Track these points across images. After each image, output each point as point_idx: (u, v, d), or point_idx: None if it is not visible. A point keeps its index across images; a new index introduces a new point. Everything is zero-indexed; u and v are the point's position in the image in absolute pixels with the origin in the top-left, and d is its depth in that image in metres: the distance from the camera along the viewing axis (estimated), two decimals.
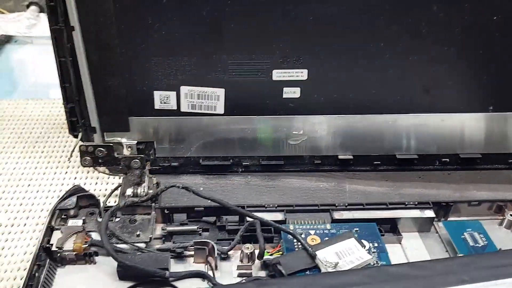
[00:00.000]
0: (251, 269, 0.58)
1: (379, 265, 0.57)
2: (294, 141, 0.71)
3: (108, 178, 0.72)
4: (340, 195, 0.69)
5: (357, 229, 0.62)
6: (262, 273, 0.58)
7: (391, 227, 0.65)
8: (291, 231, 0.59)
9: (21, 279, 0.57)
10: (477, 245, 0.61)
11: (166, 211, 0.63)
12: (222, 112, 0.68)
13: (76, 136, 0.68)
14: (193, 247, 0.58)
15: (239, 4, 0.60)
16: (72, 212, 0.62)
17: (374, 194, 0.69)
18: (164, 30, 0.61)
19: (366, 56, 0.65)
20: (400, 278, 0.52)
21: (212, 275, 0.56)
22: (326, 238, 0.60)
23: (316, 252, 0.56)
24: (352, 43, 0.64)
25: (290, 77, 0.66)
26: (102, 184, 0.72)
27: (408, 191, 0.70)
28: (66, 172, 0.74)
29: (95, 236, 0.59)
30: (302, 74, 0.65)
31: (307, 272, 0.55)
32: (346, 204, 0.65)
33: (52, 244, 0.57)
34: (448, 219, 0.67)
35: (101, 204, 0.64)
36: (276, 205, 0.64)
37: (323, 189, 0.70)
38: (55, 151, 0.78)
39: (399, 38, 0.64)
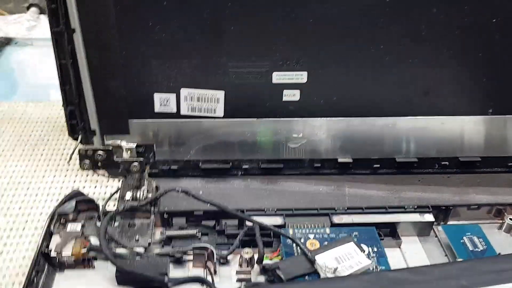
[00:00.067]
0: (250, 274, 0.58)
1: (378, 270, 0.57)
2: (293, 144, 0.71)
3: (108, 181, 0.72)
4: (340, 199, 0.69)
5: (357, 233, 0.62)
6: (261, 278, 0.58)
7: (391, 231, 0.65)
8: (290, 236, 0.59)
9: (19, 285, 0.57)
10: (476, 249, 0.61)
11: (165, 215, 0.63)
12: (222, 115, 0.68)
13: (76, 139, 0.68)
14: (192, 252, 0.58)
15: (239, 6, 0.60)
16: (71, 217, 0.61)
17: (373, 198, 0.69)
18: (164, 32, 0.61)
19: (365, 58, 0.65)
20: (400, 283, 0.52)
21: (211, 280, 0.56)
22: (326, 243, 0.60)
23: (315, 257, 0.56)
24: (352, 45, 0.64)
25: (290, 79, 0.66)
26: (102, 187, 0.72)
27: (407, 194, 0.70)
28: (66, 175, 0.74)
29: (94, 240, 0.58)
30: (302, 77, 0.65)
31: (306, 277, 0.55)
32: (346, 208, 0.65)
33: (50, 249, 0.57)
34: (448, 223, 0.67)
35: (100, 208, 0.64)
36: (275, 209, 0.64)
37: (323, 193, 0.70)
38: (55, 154, 0.78)
39: (399, 41, 0.64)
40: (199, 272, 0.58)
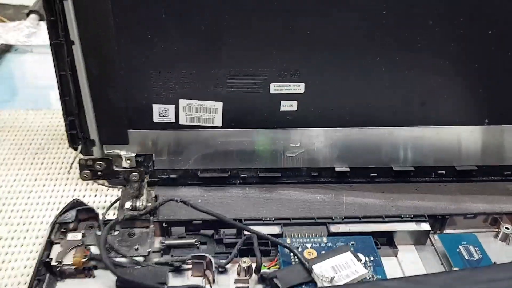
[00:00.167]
0: (248, 283, 0.59)
1: (375, 279, 0.58)
2: (291, 153, 0.72)
3: (107, 190, 0.73)
4: (337, 207, 0.70)
5: (354, 242, 0.62)
6: (259, 287, 0.59)
7: (387, 240, 0.65)
8: (287, 245, 0.60)
9: None
10: (472, 258, 0.62)
11: (164, 225, 0.64)
12: (220, 124, 0.68)
13: (75, 149, 0.69)
14: (191, 261, 0.59)
15: (237, 19, 0.61)
16: (71, 226, 0.62)
17: (370, 206, 0.70)
18: (162, 44, 0.62)
19: (362, 69, 0.66)
20: None
21: None
22: (323, 252, 0.60)
23: (313, 266, 0.57)
24: (349, 57, 0.65)
25: (288, 90, 0.66)
26: (101, 196, 0.72)
27: (404, 203, 0.71)
28: (66, 184, 0.74)
29: (94, 249, 0.59)
30: (299, 88, 0.66)
31: (304, 287, 0.56)
32: (343, 217, 0.66)
33: (51, 258, 0.58)
34: (444, 231, 0.68)
35: (100, 217, 0.64)
36: (273, 218, 0.65)
37: (320, 201, 0.71)
38: (55, 163, 0.79)
39: (395, 52, 0.65)
40: (198, 281, 0.59)
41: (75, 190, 0.74)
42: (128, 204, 0.66)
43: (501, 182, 0.75)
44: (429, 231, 0.65)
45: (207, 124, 0.68)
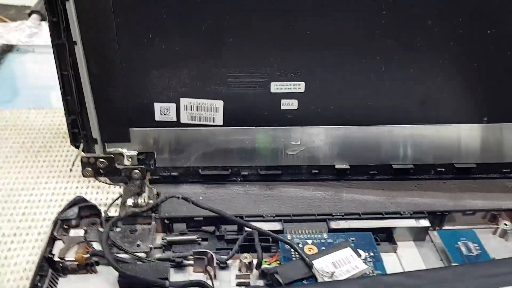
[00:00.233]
0: (249, 278, 0.59)
1: (374, 274, 0.58)
2: (292, 151, 0.72)
3: (109, 187, 0.73)
4: (337, 204, 0.70)
5: (353, 238, 0.63)
6: (260, 282, 0.59)
7: (387, 236, 0.66)
8: (288, 241, 0.61)
9: None
10: (470, 254, 0.62)
11: (166, 221, 0.64)
12: (221, 123, 0.69)
13: (77, 147, 0.69)
14: (192, 257, 0.60)
15: (238, 18, 0.62)
16: (74, 223, 0.63)
17: (370, 203, 0.71)
18: (164, 44, 0.63)
19: (362, 69, 0.66)
20: (395, 287, 0.53)
21: (211, 284, 0.58)
22: (323, 248, 0.61)
23: (313, 262, 0.58)
24: (348, 56, 0.65)
25: (288, 89, 0.67)
26: (103, 194, 0.73)
27: (404, 200, 0.72)
28: (68, 182, 0.75)
29: (97, 246, 0.60)
30: (299, 87, 0.67)
31: (304, 282, 0.56)
32: (343, 214, 0.66)
33: (54, 254, 0.58)
34: (443, 228, 0.68)
35: (102, 214, 0.65)
36: (274, 215, 0.65)
37: (321, 198, 0.71)
38: (57, 161, 0.80)
39: (395, 52, 0.65)
40: (200, 276, 0.59)
41: (76, 187, 0.74)
42: (130, 201, 0.66)
43: (499, 180, 0.76)
44: (428, 227, 0.66)
45: (208, 123, 0.69)
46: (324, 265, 0.58)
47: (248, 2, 0.61)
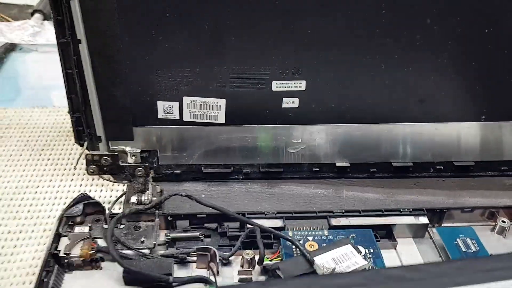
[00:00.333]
0: (252, 274, 0.60)
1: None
2: (293, 149, 0.73)
3: (113, 185, 0.74)
4: (338, 202, 0.71)
5: (354, 235, 0.64)
6: (262, 278, 0.60)
7: (387, 233, 0.67)
8: (289, 238, 0.62)
9: (30, 284, 0.59)
10: (469, 250, 0.63)
11: (169, 218, 0.65)
12: (223, 121, 0.70)
13: (82, 145, 0.70)
14: (195, 253, 0.61)
15: (240, 17, 0.62)
16: (78, 219, 0.64)
17: (370, 201, 0.71)
18: (167, 43, 0.64)
19: (362, 68, 0.67)
20: (396, 280, 0.53)
21: (214, 280, 0.59)
22: (324, 244, 0.62)
23: (314, 258, 0.58)
24: (349, 55, 0.66)
25: (289, 87, 0.68)
26: (107, 191, 0.74)
27: (403, 197, 0.72)
28: (72, 180, 0.76)
29: (101, 242, 0.61)
30: (300, 85, 0.68)
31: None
32: (343, 211, 0.67)
33: (59, 251, 0.59)
34: (442, 225, 0.69)
35: (107, 211, 0.66)
36: (275, 212, 0.66)
37: (321, 196, 0.72)
38: (61, 159, 0.80)
39: (395, 50, 0.66)
40: (203, 272, 0.60)
41: (81, 185, 0.75)
42: (133, 199, 0.67)
43: (498, 177, 0.76)
44: (428, 224, 0.67)
45: (211, 121, 0.70)
46: (324, 261, 0.58)
47: (250, 1, 0.61)
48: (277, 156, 0.74)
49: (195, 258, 0.61)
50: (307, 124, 0.71)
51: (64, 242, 0.61)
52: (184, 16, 0.62)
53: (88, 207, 0.65)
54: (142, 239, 0.62)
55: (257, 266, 0.61)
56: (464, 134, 0.74)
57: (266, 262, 0.61)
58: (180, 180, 0.74)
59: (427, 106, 0.71)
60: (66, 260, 0.59)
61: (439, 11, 0.63)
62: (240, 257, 0.61)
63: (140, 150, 0.71)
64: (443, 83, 0.69)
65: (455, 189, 0.74)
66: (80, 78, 0.65)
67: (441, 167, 0.75)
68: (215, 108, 0.69)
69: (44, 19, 1.33)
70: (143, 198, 0.67)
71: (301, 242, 0.62)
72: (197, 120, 0.70)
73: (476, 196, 0.73)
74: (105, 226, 0.63)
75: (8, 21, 1.34)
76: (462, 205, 0.70)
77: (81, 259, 0.59)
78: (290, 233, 0.64)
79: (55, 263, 0.59)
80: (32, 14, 1.34)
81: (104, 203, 0.68)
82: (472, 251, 0.63)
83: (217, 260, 0.60)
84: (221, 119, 0.70)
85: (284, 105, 0.69)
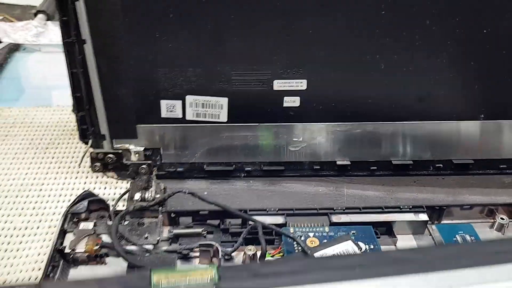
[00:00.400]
0: None
1: None
2: (294, 147, 0.74)
3: (116, 183, 0.75)
4: (338, 199, 0.72)
5: (354, 231, 0.65)
6: None
7: (387, 229, 0.68)
8: (290, 235, 0.63)
9: (35, 279, 0.60)
10: None
11: (172, 215, 0.67)
12: (226, 120, 0.71)
13: (86, 143, 0.71)
14: (198, 249, 0.62)
15: (242, 17, 0.63)
16: (83, 216, 0.65)
17: (370, 198, 0.72)
18: (170, 43, 0.65)
19: (362, 67, 0.68)
20: (402, 261, 0.54)
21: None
22: (325, 241, 0.63)
23: (315, 254, 0.59)
24: (349, 55, 0.67)
25: (290, 87, 0.69)
26: (111, 189, 0.75)
27: (403, 195, 0.73)
28: (76, 177, 0.77)
29: (106, 238, 0.62)
30: (301, 84, 0.69)
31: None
32: (344, 208, 0.68)
33: (65, 246, 0.60)
34: (442, 222, 0.70)
35: (111, 208, 0.67)
36: (277, 209, 0.67)
37: (322, 193, 0.73)
38: (65, 157, 0.81)
39: (394, 50, 0.67)
40: None
41: (85, 183, 0.76)
42: (137, 196, 0.68)
43: (497, 175, 0.77)
44: (427, 221, 0.68)
45: (213, 120, 0.71)
46: None
47: (252, 1, 0.63)
48: (279, 154, 0.75)
49: (198, 254, 0.62)
50: (308, 122, 0.72)
51: (69, 238, 0.62)
52: (187, 16, 0.63)
53: (93, 204, 0.66)
54: (146, 235, 0.63)
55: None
56: (463, 133, 0.74)
57: (267, 258, 0.61)
58: (182, 178, 0.74)
59: (426, 105, 0.72)
60: (71, 256, 0.60)
61: (438, 11, 0.64)
62: (242, 253, 0.62)
63: (143, 148, 0.72)
64: (443, 82, 0.70)
65: (455, 186, 0.75)
66: (85, 78, 0.66)
67: (441, 165, 0.76)
68: (217, 107, 0.70)
69: (47, 20, 1.34)
70: (146, 195, 0.68)
71: (302, 238, 0.63)
72: (199, 118, 0.71)
73: (475, 193, 0.73)
74: (109, 223, 0.64)
75: (12, 21, 1.35)
76: (461, 203, 0.71)
77: (86, 254, 0.60)
78: (292, 230, 0.64)
79: (61, 258, 0.60)
80: (35, 15, 1.35)
81: (107, 200, 0.69)
82: None
83: (220, 256, 0.61)
84: (223, 117, 0.71)
85: (285, 104, 0.70)
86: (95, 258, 0.61)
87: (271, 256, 0.62)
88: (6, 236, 0.66)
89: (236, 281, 0.37)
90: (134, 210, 0.65)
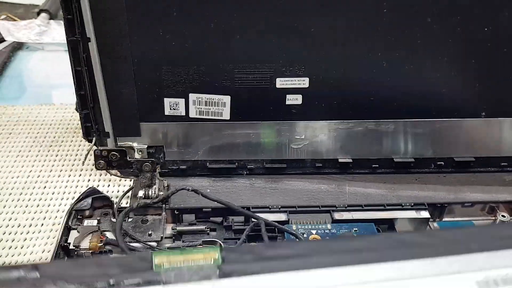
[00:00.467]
0: None
1: None
2: (296, 145, 0.75)
3: (120, 180, 0.76)
4: (340, 197, 0.72)
5: (356, 229, 0.65)
6: None
7: (389, 227, 0.68)
8: (293, 232, 0.63)
9: None
10: None
11: (176, 212, 0.67)
12: (228, 118, 0.71)
13: (90, 141, 0.72)
14: (201, 246, 0.62)
15: (245, 16, 0.64)
16: (87, 213, 0.66)
17: (372, 196, 0.73)
18: (174, 41, 0.65)
19: (364, 65, 0.68)
20: (409, 244, 0.54)
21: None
22: (327, 238, 0.63)
23: None
24: (351, 53, 0.67)
25: (293, 84, 0.69)
26: (114, 186, 0.76)
27: (405, 192, 0.73)
28: (80, 175, 0.78)
29: (110, 235, 0.63)
30: (304, 82, 0.69)
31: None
32: (346, 205, 0.69)
33: (69, 243, 0.61)
34: (443, 219, 0.71)
35: (115, 205, 0.67)
36: (279, 206, 0.68)
37: (324, 191, 0.74)
38: (69, 155, 0.82)
39: (396, 48, 0.67)
40: None
41: (89, 180, 0.77)
42: (141, 193, 0.69)
43: (498, 173, 0.77)
44: (429, 218, 0.68)
45: (216, 117, 0.71)
46: None
47: (254, 1, 0.63)
48: (281, 152, 0.75)
49: None
50: (310, 120, 0.72)
51: (73, 235, 0.63)
52: (190, 14, 0.64)
53: (97, 201, 0.67)
54: (150, 232, 0.63)
55: None
56: (464, 131, 0.75)
57: None
58: (185, 175, 0.75)
59: (428, 102, 0.72)
60: (75, 252, 0.61)
61: (439, 10, 0.65)
62: None
63: (147, 146, 0.73)
64: (444, 80, 0.70)
65: (456, 184, 0.75)
66: (89, 76, 0.66)
67: (442, 163, 0.76)
68: (220, 105, 0.70)
69: (50, 19, 1.35)
70: (150, 192, 0.69)
71: (304, 235, 0.63)
72: (202, 116, 0.71)
73: (477, 191, 0.74)
74: (113, 220, 0.64)
75: (15, 20, 1.35)
76: (463, 200, 0.72)
77: (90, 251, 0.61)
78: (294, 227, 0.65)
79: (65, 255, 0.60)
80: (38, 14, 1.36)
81: (111, 197, 0.69)
82: None
83: None
84: (226, 115, 0.71)
85: (287, 102, 0.70)
86: (99, 254, 0.61)
87: None
88: (10, 233, 0.67)
89: (240, 263, 0.36)
90: (137, 207, 0.66)
